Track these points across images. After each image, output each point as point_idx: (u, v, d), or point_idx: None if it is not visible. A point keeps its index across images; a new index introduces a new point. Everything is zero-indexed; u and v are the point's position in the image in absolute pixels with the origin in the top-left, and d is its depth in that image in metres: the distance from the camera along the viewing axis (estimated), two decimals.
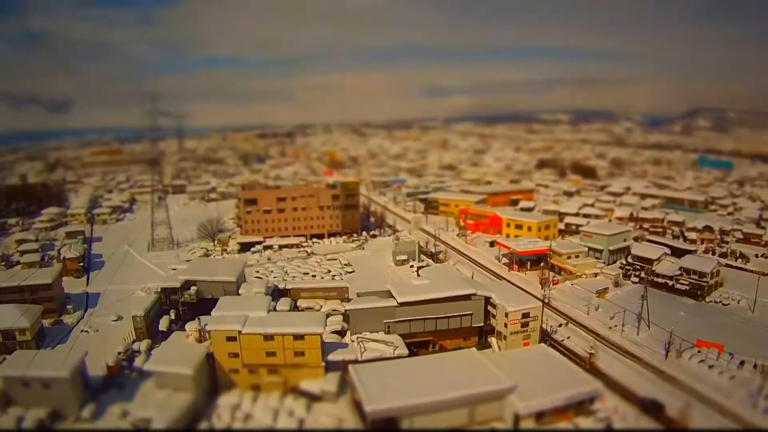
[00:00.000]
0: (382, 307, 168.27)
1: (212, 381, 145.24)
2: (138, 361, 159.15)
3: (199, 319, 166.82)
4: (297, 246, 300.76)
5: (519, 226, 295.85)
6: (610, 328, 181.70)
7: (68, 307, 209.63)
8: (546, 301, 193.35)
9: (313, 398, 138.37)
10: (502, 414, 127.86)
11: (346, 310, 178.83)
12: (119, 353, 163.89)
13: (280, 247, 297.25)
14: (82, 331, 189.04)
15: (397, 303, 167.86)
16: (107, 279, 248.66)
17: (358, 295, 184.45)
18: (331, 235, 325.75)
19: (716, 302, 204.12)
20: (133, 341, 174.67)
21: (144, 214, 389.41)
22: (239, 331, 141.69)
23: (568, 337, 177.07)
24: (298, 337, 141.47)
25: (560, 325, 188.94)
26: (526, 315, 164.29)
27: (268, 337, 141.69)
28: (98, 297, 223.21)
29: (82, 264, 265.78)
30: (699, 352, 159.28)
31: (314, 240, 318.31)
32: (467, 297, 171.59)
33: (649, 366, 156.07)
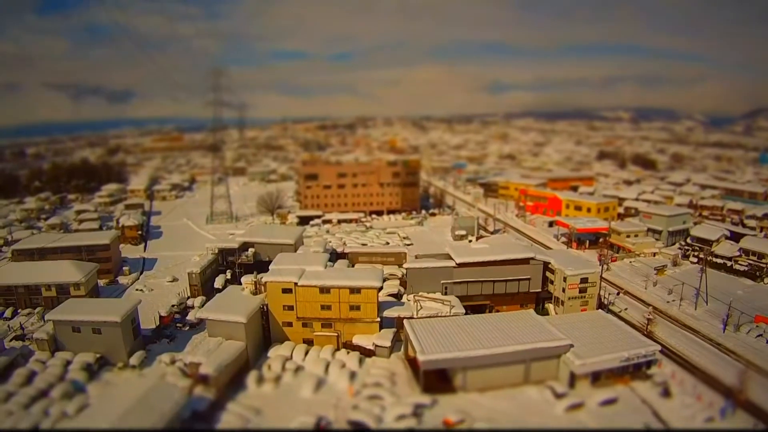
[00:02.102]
0: (440, 267, 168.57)
1: (265, 334, 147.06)
2: (191, 316, 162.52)
3: (255, 272, 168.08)
4: (356, 221, 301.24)
5: (578, 208, 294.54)
6: (668, 302, 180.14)
7: (124, 268, 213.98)
8: (605, 268, 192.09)
9: (365, 353, 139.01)
10: (557, 373, 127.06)
11: (404, 270, 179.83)
12: (173, 305, 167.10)
13: (339, 221, 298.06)
14: (136, 290, 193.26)
15: (456, 264, 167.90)
16: (164, 246, 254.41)
17: (417, 257, 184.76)
18: (390, 212, 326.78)
19: None
20: (188, 297, 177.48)
21: (204, 192, 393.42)
22: (295, 283, 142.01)
23: (626, 309, 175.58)
24: (355, 290, 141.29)
25: (618, 294, 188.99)
26: (584, 280, 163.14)
27: (324, 290, 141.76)
28: (155, 262, 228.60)
29: (140, 233, 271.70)
30: (757, 326, 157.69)
31: (373, 216, 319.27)
32: (526, 261, 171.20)
33: (707, 338, 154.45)
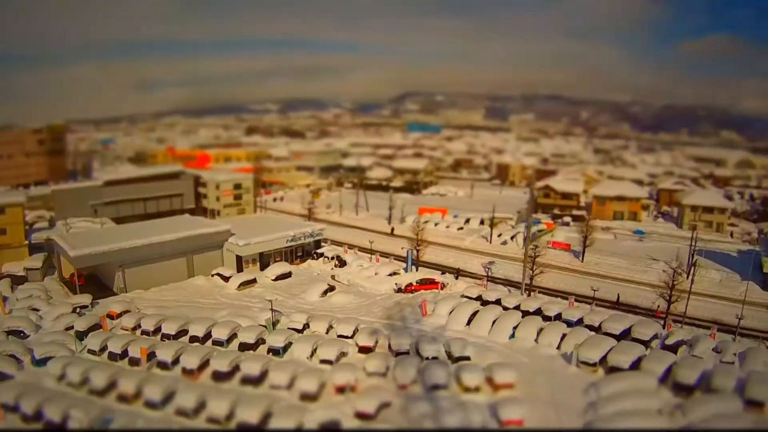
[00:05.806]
0: (84, 188, 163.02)
1: None
2: None
3: None
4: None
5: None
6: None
7: None
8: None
9: (18, 281, 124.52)
10: (222, 263, 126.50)
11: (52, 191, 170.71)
12: None
13: None
14: None
15: (103, 182, 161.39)
16: None
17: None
18: (38, 183, 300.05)
19: None
20: None
21: None
22: None
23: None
24: None
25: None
26: (238, 186, 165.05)
27: None
28: None
29: None
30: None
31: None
32: (176, 176, 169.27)
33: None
